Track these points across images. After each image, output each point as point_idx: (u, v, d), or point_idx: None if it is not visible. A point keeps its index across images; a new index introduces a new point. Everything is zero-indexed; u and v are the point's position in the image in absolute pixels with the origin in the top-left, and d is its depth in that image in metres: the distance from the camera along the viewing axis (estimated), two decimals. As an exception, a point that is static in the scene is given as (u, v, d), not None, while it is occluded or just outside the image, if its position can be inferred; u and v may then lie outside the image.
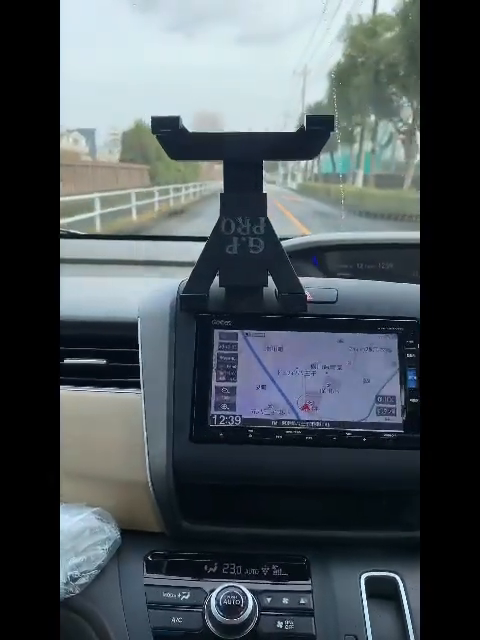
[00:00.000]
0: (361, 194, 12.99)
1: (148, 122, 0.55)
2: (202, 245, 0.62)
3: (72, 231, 1.39)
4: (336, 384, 0.61)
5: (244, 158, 0.59)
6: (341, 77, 15.90)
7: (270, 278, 0.62)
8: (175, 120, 0.54)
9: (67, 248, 1.20)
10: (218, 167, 0.62)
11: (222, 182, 0.61)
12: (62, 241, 1.26)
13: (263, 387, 0.61)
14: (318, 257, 1.12)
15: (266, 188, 0.61)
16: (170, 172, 15.50)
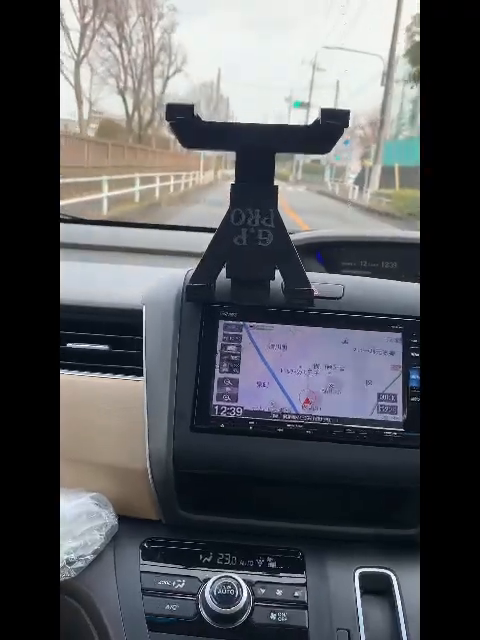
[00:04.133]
0: None
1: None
2: (210, 236, 0.62)
3: (79, 217, 1.39)
4: (338, 384, 0.61)
5: (257, 149, 0.59)
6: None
7: (277, 271, 0.62)
8: (190, 108, 0.54)
9: (75, 233, 1.19)
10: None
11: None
12: (71, 227, 1.25)
13: (265, 384, 0.61)
14: (322, 253, 1.12)
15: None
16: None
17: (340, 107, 0.56)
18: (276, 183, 0.61)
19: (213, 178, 21.03)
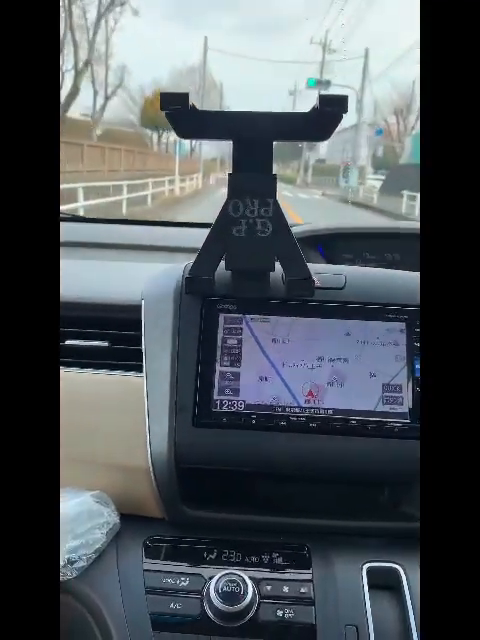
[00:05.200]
0: None
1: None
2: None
3: (78, 215, 1.39)
4: (342, 376, 0.60)
5: (254, 138, 0.57)
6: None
7: (277, 262, 0.61)
8: (185, 97, 0.53)
9: (74, 232, 1.19)
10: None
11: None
12: (70, 225, 1.26)
13: (267, 378, 0.60)
14: (324, 245, 1.11)
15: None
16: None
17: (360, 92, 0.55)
18: (283, 188, 0.59)
19: (200, 185, 16.30)
